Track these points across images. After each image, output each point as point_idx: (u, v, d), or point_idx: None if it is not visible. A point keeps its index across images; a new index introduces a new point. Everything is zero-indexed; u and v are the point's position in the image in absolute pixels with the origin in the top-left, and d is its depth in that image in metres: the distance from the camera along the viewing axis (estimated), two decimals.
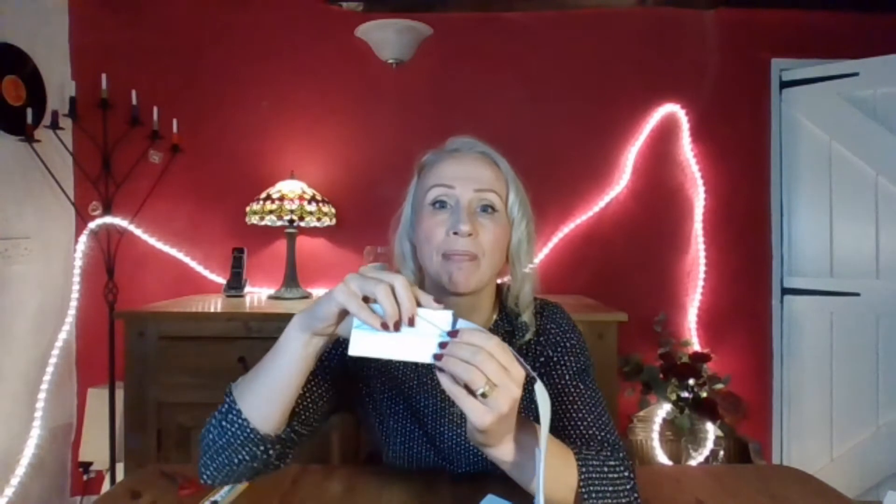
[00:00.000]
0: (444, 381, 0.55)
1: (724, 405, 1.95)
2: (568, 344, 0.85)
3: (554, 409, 0.78)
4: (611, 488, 0.68)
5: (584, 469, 0.68)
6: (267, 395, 0.66)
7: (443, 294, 0.77)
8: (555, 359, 0.84)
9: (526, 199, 0.83)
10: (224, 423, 0.66)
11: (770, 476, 0.88)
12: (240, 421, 0.66)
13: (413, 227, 0.83)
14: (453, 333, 0.55)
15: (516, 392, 0.54)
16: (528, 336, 0.85)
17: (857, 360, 2.12)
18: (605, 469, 0.69)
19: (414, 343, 0.56)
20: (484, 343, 0.53)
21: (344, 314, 0.60)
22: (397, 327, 0.55)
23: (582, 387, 0.81)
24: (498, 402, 0.53)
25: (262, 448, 0.67)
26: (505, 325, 0.87)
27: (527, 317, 0.85)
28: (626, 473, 0.70)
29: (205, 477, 0.70)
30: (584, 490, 0.67)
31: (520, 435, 0.62)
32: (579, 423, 0.78)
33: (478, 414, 0.54)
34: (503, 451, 0.61)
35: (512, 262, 0.83)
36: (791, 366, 2.23)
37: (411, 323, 0.56)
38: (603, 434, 0.77)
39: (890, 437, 2.07)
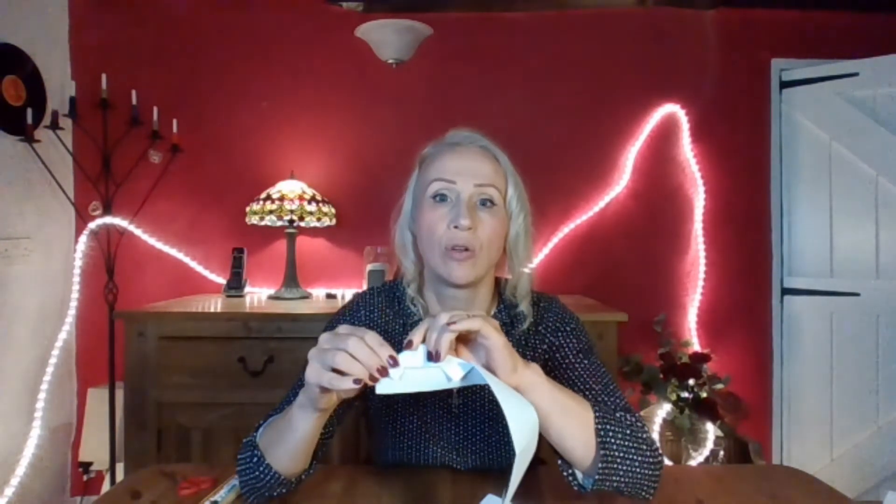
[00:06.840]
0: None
1: (724, 405, 1.95)
2: (567, 328, 0.88)
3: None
4: (628, 432, 0.69)
5: (597, 411, 0.69)
6: (291, 454, 0.70)
7: (442, 285, 0.82)
8: (556, 343, 0.86)
9: (524, 193, 0.85)
10: (257, 472, 0.71)
11: (770, 476, 0.88)
12: (271, 473, 0.70)
13: (414, 218, 0.85)
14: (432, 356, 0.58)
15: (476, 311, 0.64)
16: (526, 324, 0.87)
17: (857, 360, 2.12)
18: (618, 416, 0.71)
19: (424, 376, 0.58)
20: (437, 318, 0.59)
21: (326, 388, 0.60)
22: (374, 379, 0.56)
23: (587, 362, 0.83)
24: (474, 318, 0.60)
25: (294, 483, 0.74)
26: (504, 317, 0.89)
27: (524, 306, 0.87)
28: (640, 424, 0.72)
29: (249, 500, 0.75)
30: (599, 427, 0.67)
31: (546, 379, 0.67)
32: (587, 392, 0.78)
33: (477, 321, 0.59)
34: (531, 379, 0.64)
35: (509, 255, 0.85)
36: (791, 366, 2.23)
37: (395, 362, 0.57)
38: (613, 400, 0.78)
39: (890, 437, 2.07)
